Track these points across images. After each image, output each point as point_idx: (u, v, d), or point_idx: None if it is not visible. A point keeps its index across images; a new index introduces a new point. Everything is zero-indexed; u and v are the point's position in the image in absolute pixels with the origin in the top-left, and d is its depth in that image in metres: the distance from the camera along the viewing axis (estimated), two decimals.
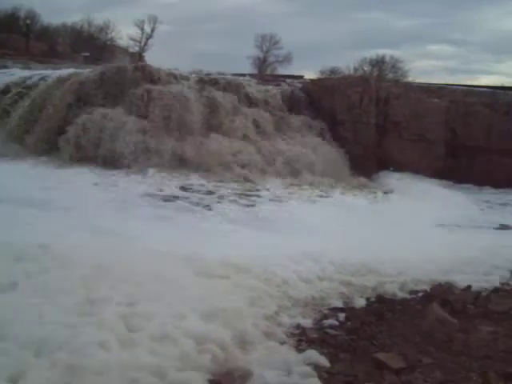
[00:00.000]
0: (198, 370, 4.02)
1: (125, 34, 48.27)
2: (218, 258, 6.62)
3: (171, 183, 14.66)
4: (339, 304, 6.03)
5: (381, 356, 4.54)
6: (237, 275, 6.20)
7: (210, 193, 14.11)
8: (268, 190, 15.20)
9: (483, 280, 7.32)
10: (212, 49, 63.85)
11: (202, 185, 14.95)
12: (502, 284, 7.32)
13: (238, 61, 58.94)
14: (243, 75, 21.84)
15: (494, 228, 12.39)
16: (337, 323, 5.43)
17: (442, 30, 76.41)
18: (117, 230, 8.16)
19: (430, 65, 65.94)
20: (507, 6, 73.83)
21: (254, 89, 19.99)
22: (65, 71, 20.02)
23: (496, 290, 6.96)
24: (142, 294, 5.08)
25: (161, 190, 13.75)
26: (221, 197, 13.74)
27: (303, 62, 62.00)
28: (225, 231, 9.83)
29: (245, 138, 18.17)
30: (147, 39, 48.26)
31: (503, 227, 12.45)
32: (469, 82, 29.08)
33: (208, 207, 12.35)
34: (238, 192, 14.47)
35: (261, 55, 46.27)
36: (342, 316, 5.63)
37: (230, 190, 14.56)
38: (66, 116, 17.40)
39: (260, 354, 4.44)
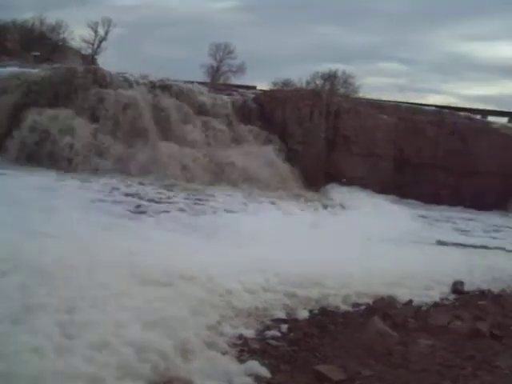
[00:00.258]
0: (138, 378, 3.95)
1: (77, 34, 47.29)
2: (162, 266, 6.53)
3: (118, 189, 14.42)
4: (282, 315, 6.05)
5: (321, 368, 4.57)
6: (180, 284, 6.14)
7: (157, 200, 13.94)
8: (217, 200, 15.11)
9: (424, 295, 7.51)
10: (166, 55, 63.15)
11: (149, 192, 14.75)
12: (442, 299, 7.52)
13: (192, 68, 58.59)
14: (191, 83, 21.51)
15: (434, 243, 12.67)
16: (279, 334, 5.44)
17: (393, 48, 78.09)
18: (58, 235, 7.91)
19: (380, 81, 67.04)
20: (459, 30, 76.30)
21: (205, 97, 19.90)
22: (8, 70, 19.47)
23: (436, 305, 7.15)
24: (82, 300, 4.96)
25: (107, 196, 13.48)
26: (169, 205, 13.59)
27: (257, 73, 62.09)
28: (170, 239, 9.71)
29: (195, 146, 18.05)
30: (100, 42, 47.44)
31: (442, 243, 12.75)
32: (417, 101, 29.75)
33: (155, 215, 12.19)
34: (187, 201, 14.34)
35: (214, 64, 46.23)
36: (284, 327, 5.65)
37: (178, 199, 14.42)
38: (13, 116, 16.93)
39: (201, 363, 4.41)
